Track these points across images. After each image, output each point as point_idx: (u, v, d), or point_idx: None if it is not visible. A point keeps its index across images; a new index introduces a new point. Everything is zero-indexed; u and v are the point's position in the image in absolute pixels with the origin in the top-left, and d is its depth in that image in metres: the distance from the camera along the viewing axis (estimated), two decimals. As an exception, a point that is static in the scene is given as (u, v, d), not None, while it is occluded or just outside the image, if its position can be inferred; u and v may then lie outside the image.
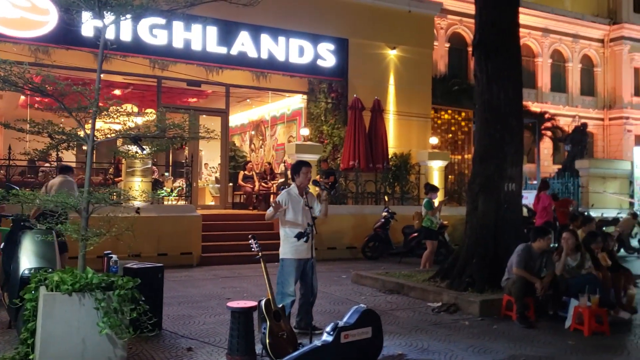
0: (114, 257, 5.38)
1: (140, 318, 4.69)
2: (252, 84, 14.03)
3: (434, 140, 15.01)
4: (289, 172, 13.81)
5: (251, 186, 14.94)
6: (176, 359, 5.07)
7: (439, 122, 16.20)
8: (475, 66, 8.49)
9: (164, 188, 12.35)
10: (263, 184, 14.97)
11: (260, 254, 5.24)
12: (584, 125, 26.27)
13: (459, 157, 16.20)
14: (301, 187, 5.96)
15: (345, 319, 4.95)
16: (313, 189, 6.89)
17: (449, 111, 16.51)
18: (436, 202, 10.45)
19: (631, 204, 15.83)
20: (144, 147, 4.98)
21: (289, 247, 5.84)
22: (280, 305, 5.11)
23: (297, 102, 15.89)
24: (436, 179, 13.73)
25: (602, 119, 34.54)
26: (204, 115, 15.22)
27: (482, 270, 7.76)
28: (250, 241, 5.24)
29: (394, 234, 12.35)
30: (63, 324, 4.45)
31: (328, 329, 4.80)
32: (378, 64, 14.94)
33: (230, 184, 15.48)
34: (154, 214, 10.60)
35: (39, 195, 4.98)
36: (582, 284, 6.46)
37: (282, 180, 14.76)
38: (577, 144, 23.38)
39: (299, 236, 5.23)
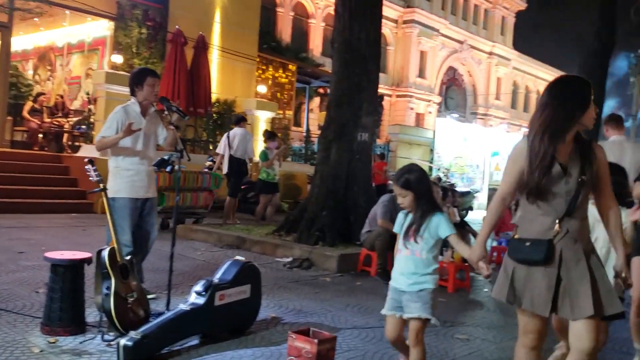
0: None
1: None
2: (47, -4, 11.38)
3: (262, 88, 13.98)
4: (92, 107, 11.62)
5: (38, 122, 12.27)
6: (-41, 336, 3.38)
7: (263, 76, 15.19)
8: (336, 0, 7.68)
9: None
10: (54, 120, 12.41)
11: (102, 185, 3.73)
12: (381, 97, 27.88)
13: (281, 112, 15.44)
14: (145, 105, 4.48)
15: (219, 275, 3.78)
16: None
17: (274, 63, 15.60)
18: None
19: (430, 169, 16.85)
20: None
21: (122, 182, 4.33)
22: (127, 258, 3.71)
23: (101, 28, 13.44)
24: (263, 131, 12.79)
25: (390, 95, 37.10)
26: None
27: (334, 222, 7.12)
28: (86, 167, 3.68)
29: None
30: None
31: (199, 288, 3.58)
32: (204, -5, 13.31)
33: (10, 118, 12.53)
34: None
35: None
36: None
37: (78, 118, 12.42)
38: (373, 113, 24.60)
39: (160, 164, 3.83)
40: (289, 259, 6.51)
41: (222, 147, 9.30)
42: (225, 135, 9.48)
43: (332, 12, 8.34)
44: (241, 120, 9.54)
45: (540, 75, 45.95)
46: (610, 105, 37.42)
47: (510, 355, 3.98)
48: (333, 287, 5.59)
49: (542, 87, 45.11)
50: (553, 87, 2.48)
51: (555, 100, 2.42)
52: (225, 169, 9.17)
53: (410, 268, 2.91)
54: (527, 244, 2.46)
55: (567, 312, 2.40)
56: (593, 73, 9.56)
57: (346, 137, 7.43)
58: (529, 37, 46.24)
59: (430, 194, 2.98)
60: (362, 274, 6.30)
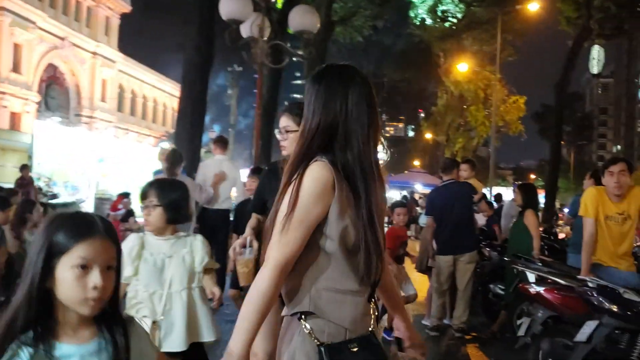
0: None
1: None
2: None
3: None
4: None
5: None
6: None
7: None
8: None
9: None
10: None
11: None
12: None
13: None
14: None
15: None
16: None
17: None
18: None
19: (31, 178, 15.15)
20: None
21: None
22: None
23: None
24: None
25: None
26: None
27: None
28: None
29: None
30: None
31: None
32: None
33: None
34: None
35: None
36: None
37: None
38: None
39: None
40: None
41: None
42: None
43: None
44: None
45: (146, 80, 46.71)
46: (210, 116, 40.79)
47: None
48: None
49: (148, 91, 46.27)
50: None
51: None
52: None
53: None
54: (355, 349, 1.54)
55: None
56: (194, 86, 9.93)
57: None
58: (134, 41, 46.41)
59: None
60: None
